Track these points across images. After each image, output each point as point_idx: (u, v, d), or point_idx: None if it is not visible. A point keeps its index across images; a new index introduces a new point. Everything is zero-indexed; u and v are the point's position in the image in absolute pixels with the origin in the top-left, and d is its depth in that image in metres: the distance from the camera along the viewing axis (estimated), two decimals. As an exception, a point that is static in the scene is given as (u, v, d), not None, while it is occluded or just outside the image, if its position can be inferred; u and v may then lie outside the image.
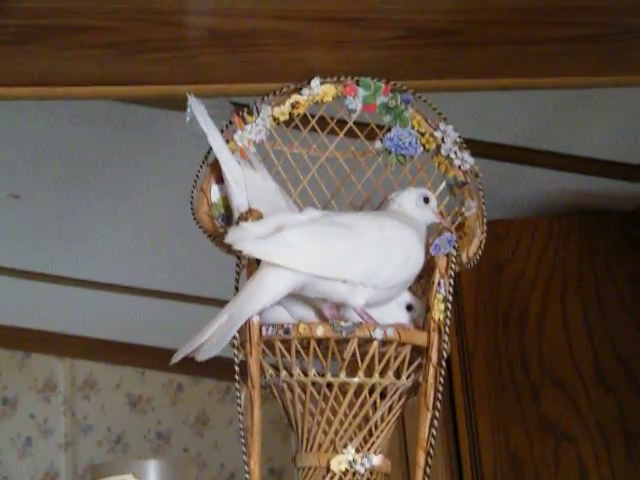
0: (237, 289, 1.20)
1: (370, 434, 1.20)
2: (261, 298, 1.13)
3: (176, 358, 1.14)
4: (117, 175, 2.44)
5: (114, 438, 4.03)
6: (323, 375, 1.18)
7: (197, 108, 1.25)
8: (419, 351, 1.21)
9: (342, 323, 1.16)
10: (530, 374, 2.25)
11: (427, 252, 1.23)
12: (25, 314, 3.71)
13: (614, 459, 2.19)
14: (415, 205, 1.26)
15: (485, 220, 1.28)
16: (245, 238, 1.14)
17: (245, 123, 1.31)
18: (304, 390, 1.18)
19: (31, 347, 3.99)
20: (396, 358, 1.19)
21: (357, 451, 1.18)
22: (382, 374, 1.19)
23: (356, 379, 1.18)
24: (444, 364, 1.20)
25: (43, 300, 3.49)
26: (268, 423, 3.85)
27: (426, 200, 1.27)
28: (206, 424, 4.05)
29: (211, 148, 1.26)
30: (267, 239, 1.14)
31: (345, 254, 1.16)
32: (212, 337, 1.12)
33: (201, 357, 1.13)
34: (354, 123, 1.34)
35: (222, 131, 1.30)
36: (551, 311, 2.28)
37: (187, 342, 1.13)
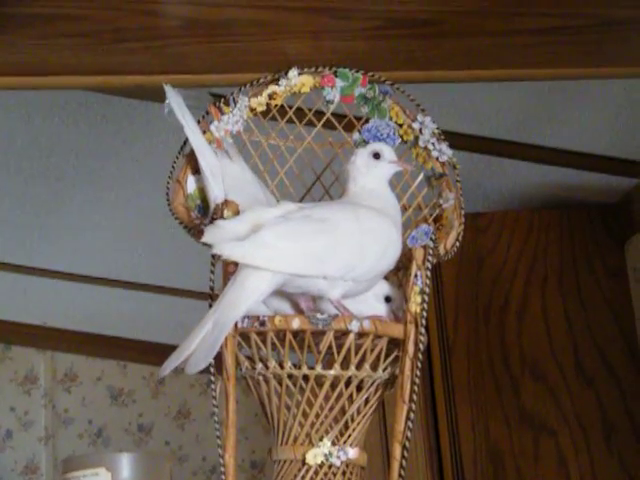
0: (212, 281, 1.19)
1: (346, 427, 1.19)
2: (244, 302, 1.12)
3: (164, 371, 1.10)
4: (96, 167, 2.43)
5: (95, 431, 4.02)
6: (299, 367, 1.17)
7: (174, 98, 1.24)
8: (396, 343, 1.20)
9: (318, 315, 1.15)
10: (510, 367, 2.25)
11: (405, 244, 1.23)
12: (5, 306, 3.69)
13: (593, 451, 2.20)
14: (367, 168, 1.24)
15: (463, 212, 1.27)
16: (223, 239, 1.12)
17: (222, 114, 1.30)
18: (280, 383, 1.18)
19: (11, 339, 3.97)
20: (372, 350, 1.18)
21: (333, 444, 1.17)
22: (358, 367, 1.18)
23: (332, 372, 1.17)
24: (421, 357, 1.19)
25: (24, 292, 3.48)
26: (250, 416, 3.84)
27: (376, 155, 1.25)
28: (187, 417, 4.05)
29: (187, 139, 1.25)
30: (245, 241, 1.11)
31: (324, 250, 1.15)
32: (200, 347, 1.10)
33: (191, 370, 1.10)
34: (332, 114, 1.33)
35: (199, 122, 1.29)
36: (531, 304, 2.28)
37: (173, 353, 1.10)
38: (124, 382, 4.05)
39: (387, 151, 1.25)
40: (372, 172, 1.24)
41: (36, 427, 3.99)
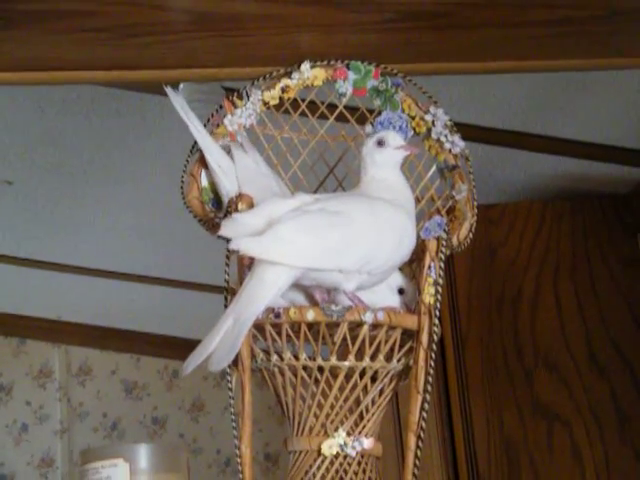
0: (227, 274, 1.20)
1: (361, 418, 1.20)
2: (264, 297, 1.12)
3: (187, 369, 1.10)
4: (110, 161, 2.44)
5: (110, 424, 4.04)
6: (314, 359, 1.18)
7: (176, 99, 1.24)
8: (410, 334, 1.21)
9: (333, 307, 1.16)
10: (523, 358, 2.25)
11: (418, 235, 1.23)
12: (20, 301, 3.71)
13: (607, 442, 2.20)
14: (374, 157, 1.23)
15: (476, 203, 1.27)
16: (239, 233, 1.13)
17: (235, 107, 1.31)
18: (295, 374, 1.19)
19: (26, 334, 3.99)
20: (387, 341, 1.19)
21: (348, 435, 1.18)
22: (373, 358, 1.19)
23: (347, 363, 1.18)
24: (435, 347, 1.20)
25: (38, 287, 3.49)
26: (264, 409, 3.86)
27: (380, 143, 1.24)
28: (202, 410, 4.06)
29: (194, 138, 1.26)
30: (262, 236, 1.12)
31: (340, 244, 1.15)
32: (221, 344, 1.10)
33: (215, 367, 1.10)
34: (345, 107, 1.34)
35: (212, 115, 1.30)
36: (544, 295, 2.28)
37: (195, 351, 1.10)
38: (138, 375, 4.07)
39: (391, 137, 1.25)
40: (379, 160, 1.24)
41: (51, 421, 4.01)
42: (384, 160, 1.24)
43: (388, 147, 1.24)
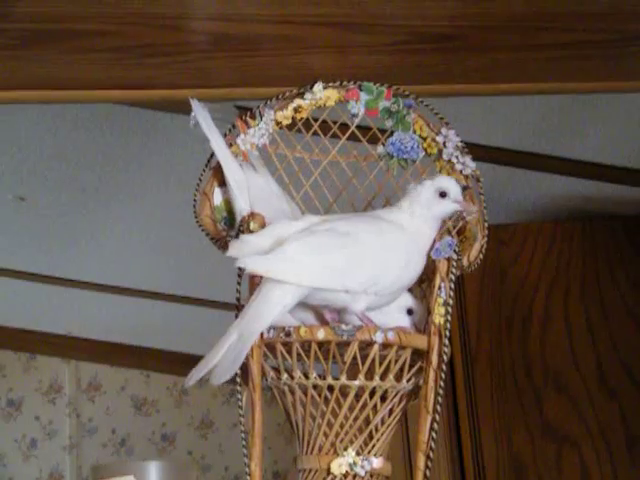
0: (238, 292, 1.21)
1: (371, 437, 1.20)
2: (268, 314, 1.14)
3: (190, 381, 1.12)
4: (122, 178, 2.45)
5: (119, 440, 4.04)
6: (324, 378, 1.18)
7: (200, 112, 1.25)
8: (420, 354, 1.21)
9: (343, 326, 1.16)
10: (533, 378, 2.25)
11: (428, 255, 1.24)
12: (30, 316, 3.72)
13: (617, 463, 2.19)
14: (430, 205, 1.23)
15: (486, 224, 1.28)
16: (246, 253, 1.14)
17: (248, 127, 1.32)
18: (305, 393, 1.19)
19: (36, 349, 4.00)
20: (397, 361, 1.19)
21: (357, 454, 1.18)
22: (383, 377, 1.19)
23: (357, 382, 1.18)
24: (444, 367, 1.20)
25: (48, 302, 3.50)
26: (273, 426, 3.85)
27: (442, 194, 1.23)
28: (211, 427, 4.06)
29: (214, 152, 1.27)
30: (268, 255, 1.14)
31: (346, 265, 1.16)
32: (224, 358, 1.12)
33: (216, 381, 1.12)
34: (356, 127, 1.35)
35: (225, 135, 1.31)
36: (554, 315, 2.28)
37: (198, 364, 1.12)
38: (148, 392, 4.07)
39: (453, 190, 1.23)
40: (434, 209, 1.23)
41: (60, 436, 4.01)
42: (439, 210, 1.23)
43: (448, 199, 1.23)
